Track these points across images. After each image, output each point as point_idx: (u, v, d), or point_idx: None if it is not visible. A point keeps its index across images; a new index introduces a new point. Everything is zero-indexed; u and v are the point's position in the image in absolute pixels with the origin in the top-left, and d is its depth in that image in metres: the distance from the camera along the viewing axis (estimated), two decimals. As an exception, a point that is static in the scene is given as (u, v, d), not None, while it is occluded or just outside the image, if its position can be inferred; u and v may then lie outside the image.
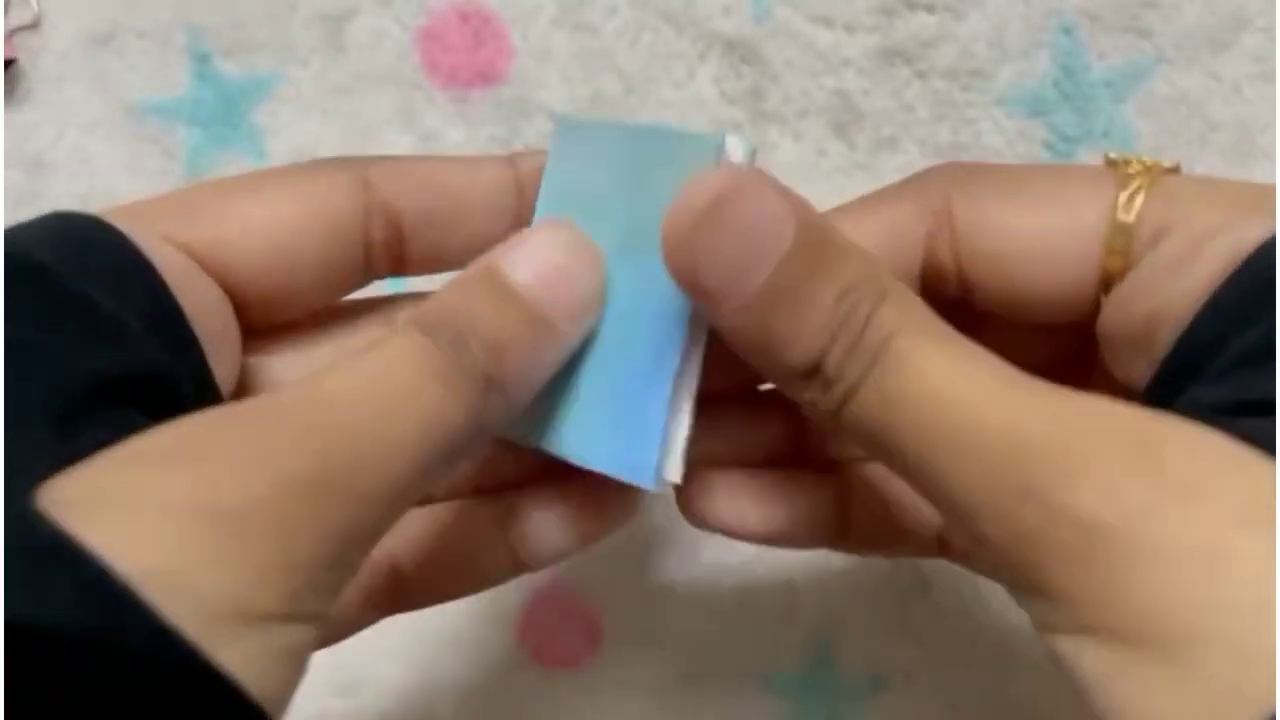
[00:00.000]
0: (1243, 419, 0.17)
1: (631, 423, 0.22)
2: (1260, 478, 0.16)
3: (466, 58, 0.35)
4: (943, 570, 0.35)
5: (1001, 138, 0.34)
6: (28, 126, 0.35)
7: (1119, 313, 0.21)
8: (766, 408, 0.25)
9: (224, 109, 0.35)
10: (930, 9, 0.33)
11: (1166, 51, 0.33)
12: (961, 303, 0.22)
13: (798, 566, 0.35)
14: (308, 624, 0.16)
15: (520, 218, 0.23)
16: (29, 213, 0.35)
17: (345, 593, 0.18)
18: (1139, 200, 0.20)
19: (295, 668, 0.17)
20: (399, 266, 0.23)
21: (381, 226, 0.22)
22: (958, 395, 0.17)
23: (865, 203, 0.23)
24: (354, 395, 0.18)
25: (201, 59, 0.35)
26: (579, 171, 0.23)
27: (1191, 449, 0.17)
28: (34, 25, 0.35)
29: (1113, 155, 0.22)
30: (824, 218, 0.19)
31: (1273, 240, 0.18)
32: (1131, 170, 0.21)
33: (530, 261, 0.20)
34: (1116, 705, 0.16)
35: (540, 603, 0.35)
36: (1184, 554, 0.16)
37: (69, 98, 0.35)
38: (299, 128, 0.35)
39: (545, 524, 0.24)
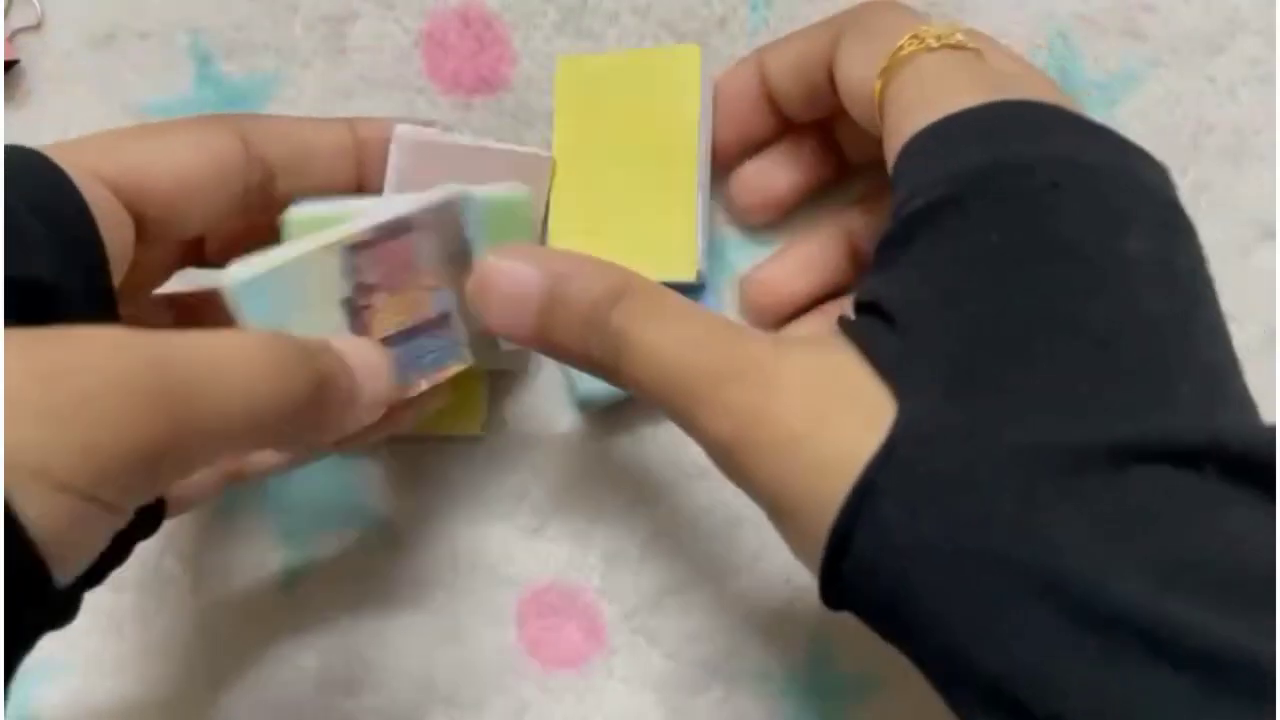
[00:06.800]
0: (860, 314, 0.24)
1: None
2: (827, 396, 0.23)
3: (469, 63, 0.35)
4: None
5: (998, 141, 0.34)
6: (30, 127, 0.35)
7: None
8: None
9: (226, 110, 0.35)
10: (926, 16, 0.34)
11: (1162, 55, 0.33)
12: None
13: (798, 566, 0.35)
14: (103, 509, 0.19)
15: (360, 169, 0.31)
16: (30, 213, 0.36)
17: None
18: (888, 75, 0.26)
19: (84, 536, 0.19)
20: (268, 206, 0.29)
21: (257, 171, 0.29)
22: (665, 357, 0.24)
23: (800, 32, 0.31)
24: (208, 346, 0.21)
25: (203, 60, 0.35)
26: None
27: (795, 375, 0.23)
28: (36, 26, 0.35)
29: (924, 29, 0.27)
30: (568, 258, 0.26)
31: (916, 138, 0.25)
32: (907, 44, 0.26)
33: (355, 354, 0.26)
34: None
35: (540, 602, 0.35)
36: (770, 449, 0.23)
37: (71, 98, 0.35)
38: (301, 129, 0.35)
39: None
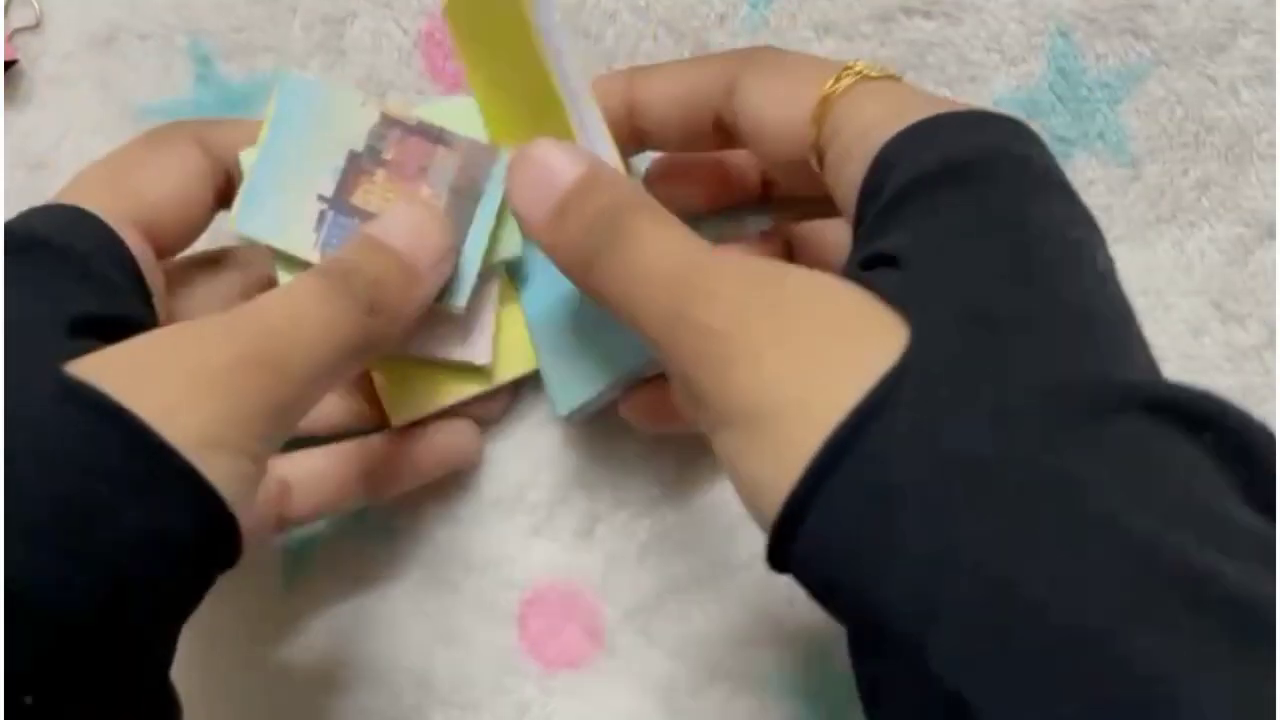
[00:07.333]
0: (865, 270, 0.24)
1: None
2: (835, 305, 0.22)
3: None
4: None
5: (999, 140, 0.34)
6: (30, 128, 0.35)
7: (830, 190, 0.27)
8: None
9: (226, 112, 0.35)
10: (927, 15, 0.34)
11: (1163, 54, 0.33)
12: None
13: (797, 566, 0.35)
14: (253, 460, 0.24)
15: None
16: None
17: (262, 504, 0.31)
18: (832, 100, 0.27)
19: (246, 489, 0.24)
20: (228, 203, 0.31)
21: (221, 176, 0.31)
22: (671, 248, 0.24)
23: (679, 64, 0.31)
24: (274, 311, 0.26)
25: (203, 61, 0.35)
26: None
27: (798, 282, 0.23)
28: (36, 26, 0.35)
29: (850, 64, 0.28)
30: (608, 172, 0.27)
31: (896, 139, 0.25)
32: (843, 76, 0.27)
33: (396, 225, 0.29)
34: (736, 478, 0.23)
35: (540, 603, 0.35)
36: (767, 348, 0.22)
37: (71, 99, 0.35)
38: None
39: (391, 466, 0.33)
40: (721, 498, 0.35)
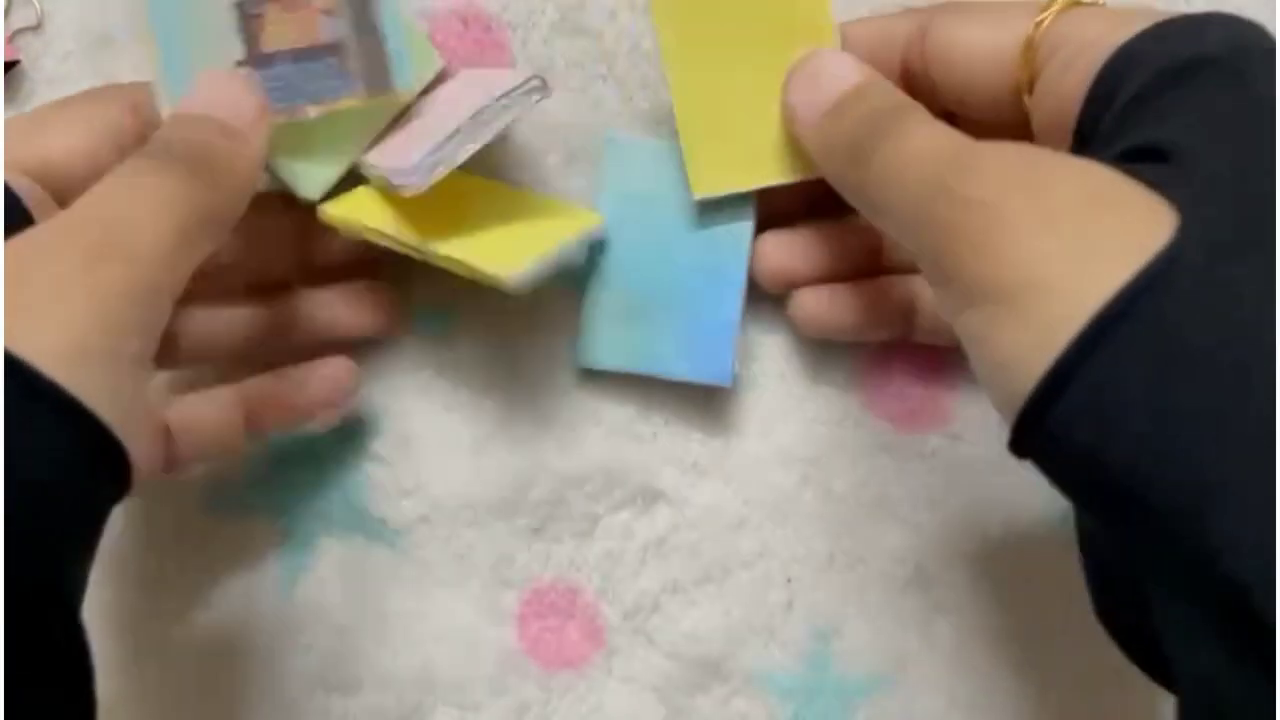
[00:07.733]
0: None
1: (708, 339, 0.33)
2: (1101, 186, 0.22)
3: (469, 65, 0.35)
4: (943, 568, 0.35)
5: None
6: (30, 128, 0.35)
7: (1036, 112, 0.28)
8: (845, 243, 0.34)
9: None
10: (928, 14, 0.34)
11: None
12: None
13: (798, 566, 0.35)
14: (133, 363, 0.24)
15: None
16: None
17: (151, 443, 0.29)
18: (1045, 25, 0.28)
19: (131, 399, 0.24)
20: None
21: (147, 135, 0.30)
22: (925, 140, 0.26)
23: (871, 17, 0.32)
24: (108, 198, 0.25)
25: (203, 62, 0.35)
26: (633, 179, 0.34)
27: (1063, 164, 0.23)
28: (36, 27, 0.35)
29: None
30: (883, 81, 0.29)
31: (1133, 40, 0.25)
32: (1054, 4, 0.28)
33: (203, 93, 0.29)
34: (985, 354, 0.23)
35: (540, 602, 0.35)
36: (1033, 222, 0.22)
37: (71, 100, 0.35)
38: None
39: (272, 405, 0.33)
40: (723, 497, 0.35)
